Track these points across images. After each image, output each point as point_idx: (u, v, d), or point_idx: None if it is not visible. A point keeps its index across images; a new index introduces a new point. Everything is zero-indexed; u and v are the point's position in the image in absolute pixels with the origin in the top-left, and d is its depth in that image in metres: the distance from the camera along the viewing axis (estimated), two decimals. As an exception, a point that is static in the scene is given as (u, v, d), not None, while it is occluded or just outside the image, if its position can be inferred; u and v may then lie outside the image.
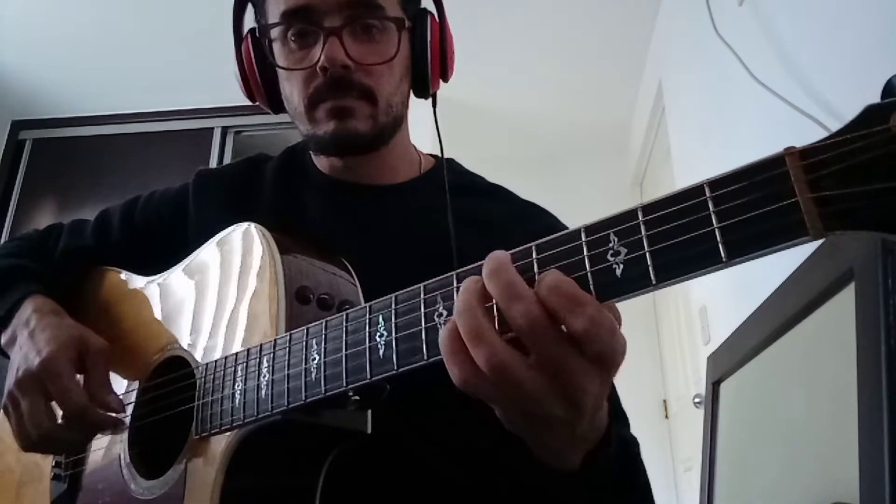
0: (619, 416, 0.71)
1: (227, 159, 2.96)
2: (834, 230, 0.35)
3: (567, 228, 0.50)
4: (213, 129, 3.01)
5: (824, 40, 1.23)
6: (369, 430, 0.62)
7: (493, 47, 2.71)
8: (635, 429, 0.71)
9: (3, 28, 2.64)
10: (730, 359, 1.42)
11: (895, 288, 0.82)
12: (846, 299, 0.93)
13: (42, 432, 0.72)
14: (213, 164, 2.92)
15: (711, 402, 1.47)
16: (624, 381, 0.63)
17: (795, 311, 1.08)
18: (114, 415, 0.75)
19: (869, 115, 0.35)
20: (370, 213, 0.82)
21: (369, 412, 0.62)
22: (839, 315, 0.95)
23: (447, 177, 0.82)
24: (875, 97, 0.37)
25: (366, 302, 0.57)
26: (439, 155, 0.88)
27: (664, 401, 3.06)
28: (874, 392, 0.81)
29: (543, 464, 0.51)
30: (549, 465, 0.51)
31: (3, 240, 2.92)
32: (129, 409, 0.77)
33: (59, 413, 0.74)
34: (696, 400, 2.24)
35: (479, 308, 0.44)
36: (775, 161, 0.37)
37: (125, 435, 0.75)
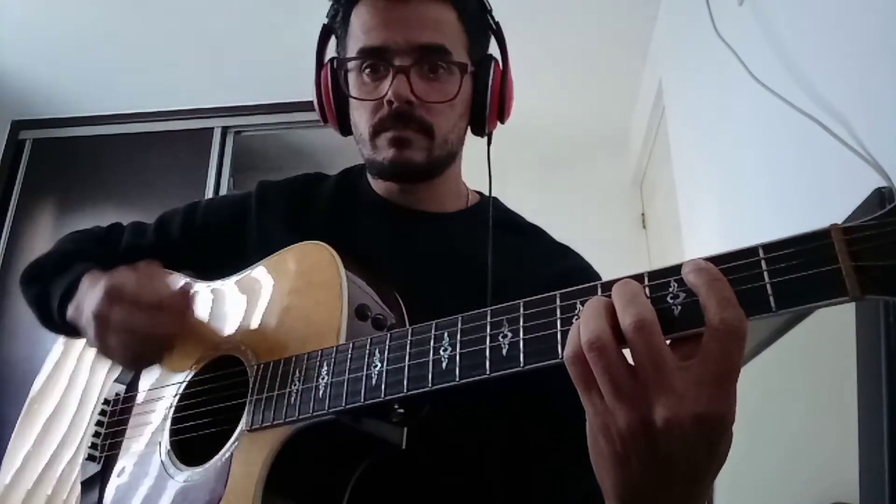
0: None
1: (227, 159, 2.95)
2: (869, 294, 0.43)
3: (593, 270, 0.67)
4: (213, 129, 3.00)
5: (824, 40, 1.23)
6: (404, 446, 0.65)
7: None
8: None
9: (3, 28, 2.64)
10: (730, 359, 1.42)
11: (895, 288, 0.82)
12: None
13: (136, 327, 0.75)
14: (213, 164, 2.92)
15: (711, 402, 1.47)
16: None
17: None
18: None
19: None
20: (417, 237, 0.88)
21: (405, 429, 0.65)
22: (839, 315, 0.95)
23: (491, 213, 0.88)
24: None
25: (410, 324, 0.62)
26: (485, 192, 0.95)
27: (664, 401, 3.05)
28: (874, 392, 0.81)
29: None
30: None
31: (4, 240, 2.92)
32: (175, 400, 0.79)
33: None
34: (697, 400, 2.23)
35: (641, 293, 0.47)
36: (822, 233, 0.45)
37: (167, 423, 0.78)
